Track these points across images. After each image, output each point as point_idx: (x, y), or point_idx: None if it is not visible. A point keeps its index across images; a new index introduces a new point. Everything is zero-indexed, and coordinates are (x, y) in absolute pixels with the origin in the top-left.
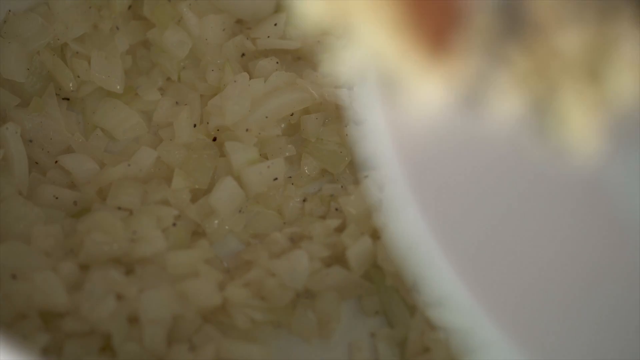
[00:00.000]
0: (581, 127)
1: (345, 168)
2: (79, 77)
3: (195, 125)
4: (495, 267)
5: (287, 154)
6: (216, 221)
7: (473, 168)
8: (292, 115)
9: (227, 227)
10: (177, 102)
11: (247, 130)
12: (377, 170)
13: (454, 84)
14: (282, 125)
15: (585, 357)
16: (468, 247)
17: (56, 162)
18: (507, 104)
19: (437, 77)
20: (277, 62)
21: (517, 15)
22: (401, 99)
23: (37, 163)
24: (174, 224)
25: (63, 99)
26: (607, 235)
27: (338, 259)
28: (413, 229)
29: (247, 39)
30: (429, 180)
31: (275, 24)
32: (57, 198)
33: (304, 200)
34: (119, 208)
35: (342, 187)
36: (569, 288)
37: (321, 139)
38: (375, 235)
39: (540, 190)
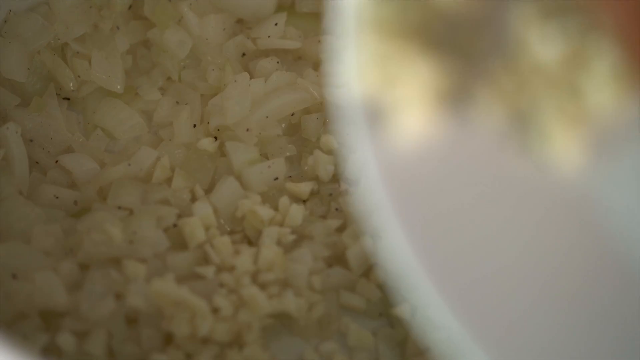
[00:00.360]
0: (563, 141)
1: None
2: (79, 77)
3: (195, 125)
4: (480, 287)
5: (287, 153)
6: None
7: (457, 184)
8: (292, 115)
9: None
10: (177, 102)
11: (247, 130)
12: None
13: (437, 101)
14: (283, 125)
15: None
16: (453, 266)
17: (56, 161)
18: (489, 119)
19: (420, 96)
20: (278, 62)
21: (499, 31)
22: (385, 123)
23: (37, 163)
24: (174, 224)
25: (63, 98)
26: (589, 247)
27: (338, 259)
28: (399, 251)
29: (248, 38)
30: (414, 202)
31: (276, 24)
32: (57, 198)
33: (305, 200)
34: (119, 208)
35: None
36: (551, 299)
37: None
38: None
39: (523, 203)
